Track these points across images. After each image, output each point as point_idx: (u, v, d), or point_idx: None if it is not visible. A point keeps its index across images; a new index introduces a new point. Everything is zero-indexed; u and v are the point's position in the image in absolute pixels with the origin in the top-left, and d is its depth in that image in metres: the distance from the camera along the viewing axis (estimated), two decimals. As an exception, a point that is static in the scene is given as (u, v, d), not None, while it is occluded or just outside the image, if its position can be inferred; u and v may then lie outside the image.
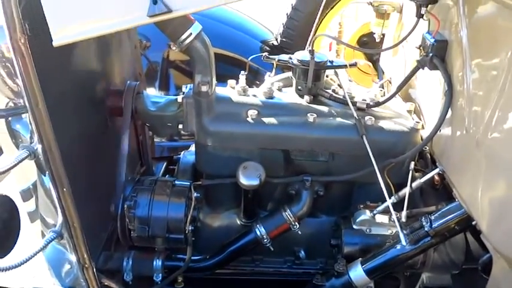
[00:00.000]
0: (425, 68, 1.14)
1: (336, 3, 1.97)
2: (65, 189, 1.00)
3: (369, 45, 2.00)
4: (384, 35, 1.57)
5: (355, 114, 1.20)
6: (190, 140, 1.58)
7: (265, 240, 1.25)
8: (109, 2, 0.76)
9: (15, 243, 0.96)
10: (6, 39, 0.84)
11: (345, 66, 1.33)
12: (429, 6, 1.10)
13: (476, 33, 0.98)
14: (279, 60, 1.35)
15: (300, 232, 1.26)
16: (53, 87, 0.94)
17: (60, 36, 0.75)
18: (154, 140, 1.68)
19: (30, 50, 0.84)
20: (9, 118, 0.98)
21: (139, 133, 1.38)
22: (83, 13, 0.75)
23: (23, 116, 0.97)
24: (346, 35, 2.04)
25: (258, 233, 1.25)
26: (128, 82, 1.25)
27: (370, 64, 1.86)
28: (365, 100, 1.27)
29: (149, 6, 0.75)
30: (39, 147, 0.95)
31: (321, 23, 1.99)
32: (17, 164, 0.94)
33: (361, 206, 1.25)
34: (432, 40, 1.09)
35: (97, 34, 0.78)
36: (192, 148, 1.45)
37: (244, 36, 2.06)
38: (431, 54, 1.09)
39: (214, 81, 1.20)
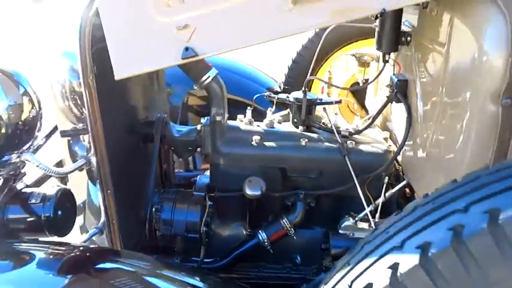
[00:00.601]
0: (394, 102, 1.45)
1: (329, 57, 2.32)
2: (109, 192, 1.29)
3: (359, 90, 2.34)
4: (366, 80, 1.90)
5: (338, 139, 1.49)
6: (203, 170, 1.88)
7: (266, 244, 1.51)
8: (154, 48, 1.08)
9: (73, 227, 1.25)
10: (78, 77, 1.17)
11: (331, 103, 1.65)
12: (392, 53, 1.42)
13: (423, 74, 1.29)
14: (278, 98, 1.67)
15: (295, 237, 1.52)
16: (107, 115, 1.26)
17: (119, 73, 1.07)
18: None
19: (95, 86, 1.17)
20: (72, 137, 1.31)
21: (164, 162, 1.68)
22: (136, 56, 1.08)
23: (82, 136, 1.29)
24: (339, 83, 2.38)
25: (260, 238, 1.51)
26: (158, 115, 1.58)
27: (358, 105, 2.19)
28: (348, 129, 1.58)
29: (182, 51, 1.07)
30: (93, 159, 1.25)
31: (316, 73, 2.34)
32: (77, 168, 1.25)
33: (347, 215, 1.52)
34: (396, 79, 1.41)
35: (145, 71, 1.10)
36: (206, 173, 1.74)
37: (252, 84, 2.40)
38: (396, 91, 1.41)
39: (226, 113, 1.51)
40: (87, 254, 1.08)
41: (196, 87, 1.45)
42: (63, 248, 1.07)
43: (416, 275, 0.68)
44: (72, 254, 1.04)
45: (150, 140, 1.54)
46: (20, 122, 1.09)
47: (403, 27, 1.38)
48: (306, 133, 1.55)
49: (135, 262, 1.08)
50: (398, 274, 0.69)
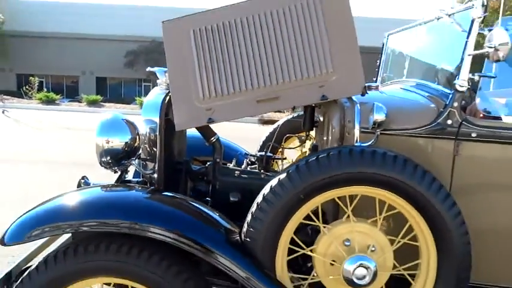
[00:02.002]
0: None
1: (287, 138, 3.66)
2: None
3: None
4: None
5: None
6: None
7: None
8: (195, 117, 2.34)
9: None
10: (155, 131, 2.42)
11: (279, 158, 2.93)
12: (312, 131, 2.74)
13: (323, 142, 2.61)
14: (251, 155, 2.94)
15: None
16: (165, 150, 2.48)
17: (179, 127, 2.31)
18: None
19: (164, 129, 2.41)
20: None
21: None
22: (187, 120, 2.32)
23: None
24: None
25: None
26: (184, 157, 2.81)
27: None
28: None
29: (207, 119, 2.34)
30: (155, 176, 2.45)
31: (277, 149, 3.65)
32: (151, 174, 2.45)
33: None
34: (313, 145, 2.71)
35: (190, 127, 2.36)
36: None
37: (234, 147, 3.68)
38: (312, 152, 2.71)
39: (222, 160, 2.76)
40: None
41: (206, 144, 2.71)
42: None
43: None
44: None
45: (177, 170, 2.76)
46: (132, 146, 2.29)
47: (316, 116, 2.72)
48: (263, 172, 2.81)
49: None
50: None
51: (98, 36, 31.88)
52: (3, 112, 16.23)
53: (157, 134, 2.36)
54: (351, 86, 2.09)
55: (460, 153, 2.07)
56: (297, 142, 3.59)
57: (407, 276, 1.94)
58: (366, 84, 2.06)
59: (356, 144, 2.07)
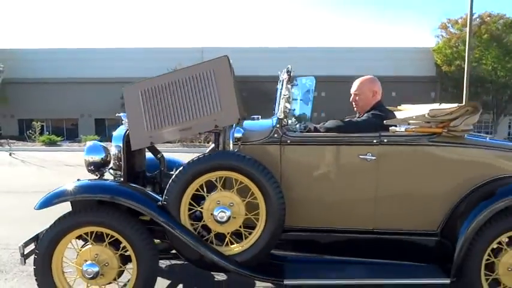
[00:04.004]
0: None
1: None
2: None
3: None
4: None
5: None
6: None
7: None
8: (143, 140, 4.05)
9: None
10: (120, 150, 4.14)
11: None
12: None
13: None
14: (185, 165, 4.65)
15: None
16: (129, 163, 4.20)
17: (133, 146, 4.00)
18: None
19: (125, 150, 4.14)
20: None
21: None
22: (137, 142, 4.02)
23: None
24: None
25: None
26: (143, 168, 4.52)
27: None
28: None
29: (150, 143, 4.05)
30: (122, 176, 4.16)
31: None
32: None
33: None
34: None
35: (140, 147, 4.08)
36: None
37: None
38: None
39: (165, 169, 4.45)
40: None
41: (155, 157, 4.42)
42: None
43: None
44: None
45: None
46: (106, 160, 3.98)
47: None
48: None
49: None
50: None
51: (95, 80, 33.96)
52: (10, 154, 18.03)
53: (122, 153, 4.06)
54: (231, 118, 3.81)
55: (283, 152, 3.78)
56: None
57: (253, 219, 3.61)
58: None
59: (228, 150, 3.78)
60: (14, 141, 22.67)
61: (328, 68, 31.63)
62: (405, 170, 3.70)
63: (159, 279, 3.91)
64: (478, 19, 30.75)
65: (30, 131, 24.33)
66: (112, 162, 4.13)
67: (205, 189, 3.58)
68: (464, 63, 24.24)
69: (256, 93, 33.38)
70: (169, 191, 3.55)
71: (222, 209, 3.49)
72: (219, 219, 3.49)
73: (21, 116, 34.97)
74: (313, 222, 3.84)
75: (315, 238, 3.86)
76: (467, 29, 22.57)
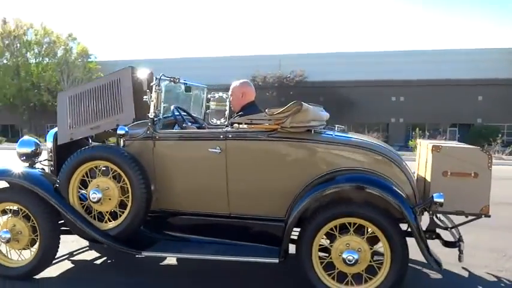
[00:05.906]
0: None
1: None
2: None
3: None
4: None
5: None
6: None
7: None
8: (66, 135, 5.02)
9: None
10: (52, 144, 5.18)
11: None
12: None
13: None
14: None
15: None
16: (57, 155, 5.22)
17: (59, 141, 4.99)
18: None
19: (56, 145, 5.16)
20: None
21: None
22: (62, 137, 5.00)
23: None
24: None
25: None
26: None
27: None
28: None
29: (70, 139, 5.01)
30: (52, 166, 5.19)
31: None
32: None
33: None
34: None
35: (63, 142, 5.07)
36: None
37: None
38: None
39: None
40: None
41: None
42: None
43: None
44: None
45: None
46: (35, 152, 5.02)
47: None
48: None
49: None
50: None
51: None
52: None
53: (52, 147, 5.10)
54: (127, 118, 4.64)
55: (155, 147, 4.49)
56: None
57: (126, 201, 4.37)
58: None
59: (119, 146, 4.60)
60: None
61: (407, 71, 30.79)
62: (250, 162, 4.19)
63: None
64: None
65: None
66: (48, 155, 5.18)
67: (89, 175, 4.44)
68: None
69: (332, 99, 33.50)
70: (60, 177, 4.46)
71: (95, 191, 4.31)
72: (91, 199, 4.32)
73: None
74: (181, 206, 4.49)
75: (184, 221, 4.50)
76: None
